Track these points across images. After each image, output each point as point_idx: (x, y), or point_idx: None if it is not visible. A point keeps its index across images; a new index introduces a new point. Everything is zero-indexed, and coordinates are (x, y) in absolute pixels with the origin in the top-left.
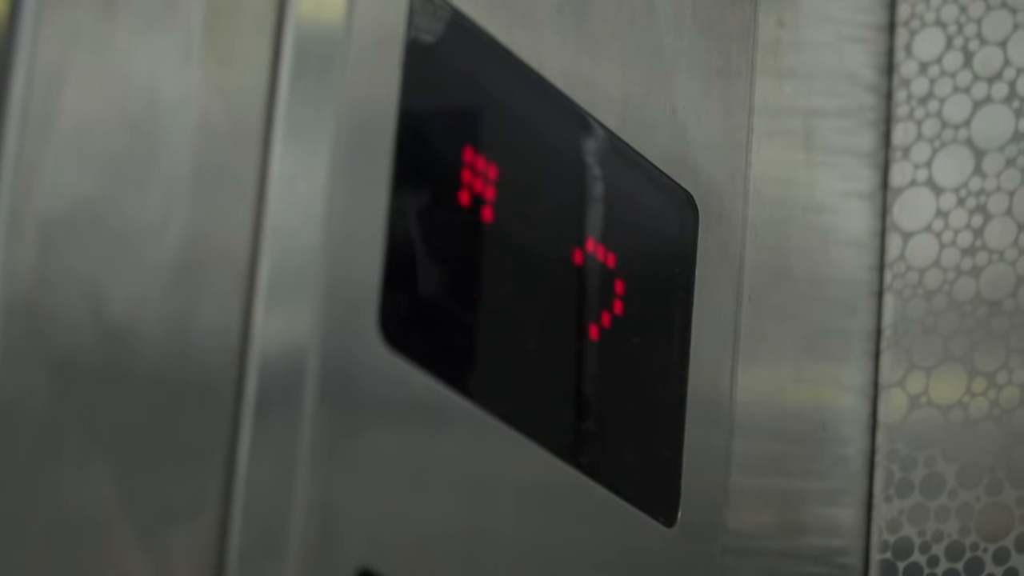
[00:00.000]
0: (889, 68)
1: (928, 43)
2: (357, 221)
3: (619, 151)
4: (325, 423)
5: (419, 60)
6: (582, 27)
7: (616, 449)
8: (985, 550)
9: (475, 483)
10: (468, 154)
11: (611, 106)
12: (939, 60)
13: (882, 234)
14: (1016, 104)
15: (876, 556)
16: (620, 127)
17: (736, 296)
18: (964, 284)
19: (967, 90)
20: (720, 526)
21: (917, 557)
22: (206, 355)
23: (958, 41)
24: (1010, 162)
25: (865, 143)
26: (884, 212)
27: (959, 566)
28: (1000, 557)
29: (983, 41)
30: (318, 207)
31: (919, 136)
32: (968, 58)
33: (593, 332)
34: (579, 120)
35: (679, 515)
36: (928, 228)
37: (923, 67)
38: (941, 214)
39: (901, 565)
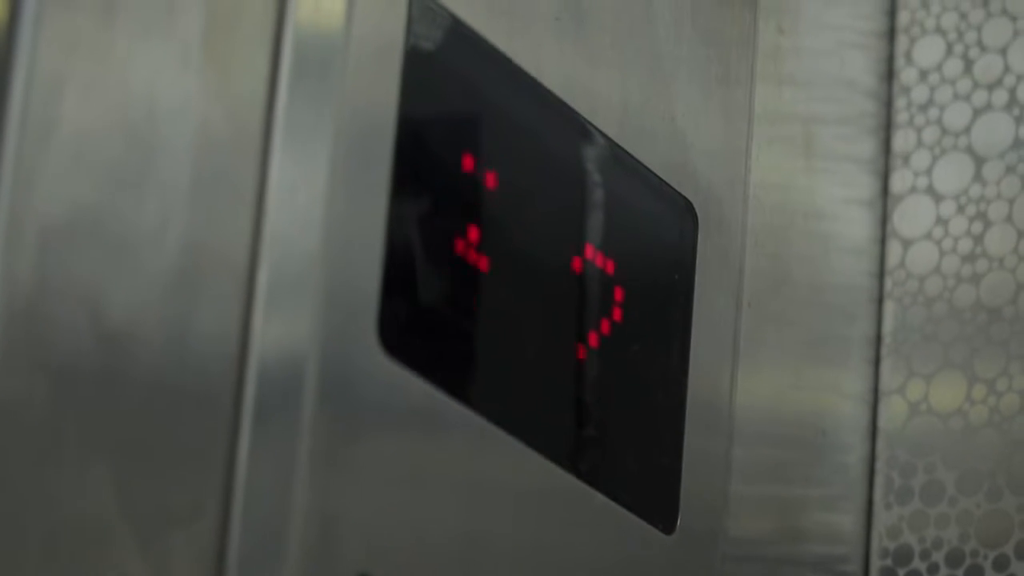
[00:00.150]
0: (889, 75)
1: (928, 50)
2: (356, 228)
3: (618, 158)
4: (324, 429)
5: (418, 67)
6: (581, 35)
7: (615, 456)
8: (985, 557)
9: (474, 490)
10: (467, 161)
11: (610, 113)
12: (939, 67)
13: (882, 241)
14: (1016, 111)
15: (876, 563)
16: (619, 134)
17: (736, 303)
18: (964, 291)
19: (967, 97)
20: (720, 533)
21: (917, 564)
22: (205, 361)
23: (958, 48)
24: (1010, 169)
25: (865, 150)
26: (884, 219)
27: (959, 572)
28: (1000, 564)
29: (983, 48)
30: (317, 214)
31: (919, 143)
32: (968, 65)
33: (592, 339)
34: (578, 127)
35: (679, 522)
36: (928, 235)
37: (923, 74)
38: (941, 221)
39: (901, 572)
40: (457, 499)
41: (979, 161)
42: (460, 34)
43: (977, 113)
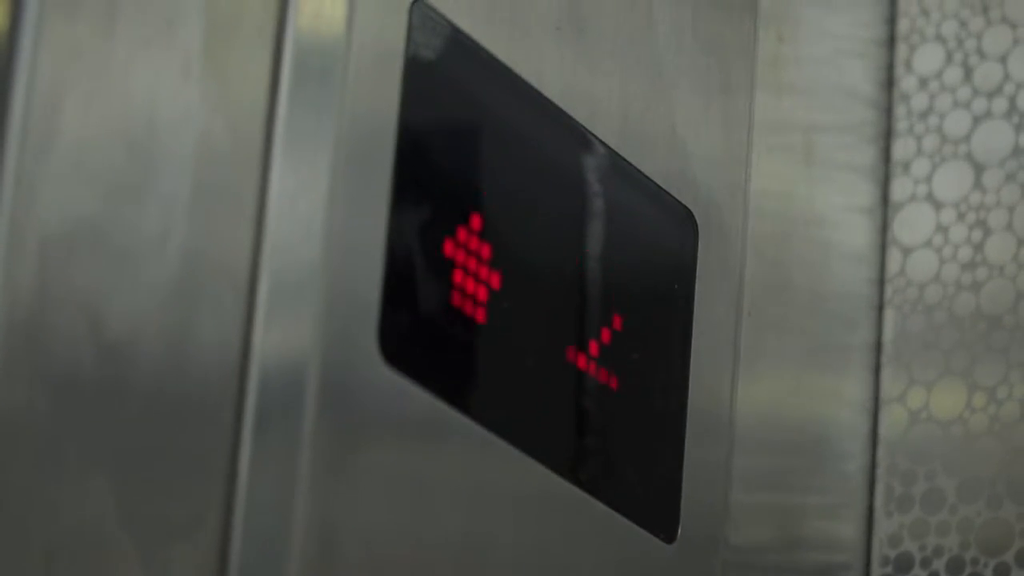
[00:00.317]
0: (889, 83)
1: (928, 58)
2: (357, 237)
3: (618, 167)
4: (325, 438)
5: (419, 76)
6: (581, 44)
7: (616, 465)
8: (985, 565)
9: (474, 499)
10: (467, 170)
11: (610, 122)
12: (939, 75)
13: (882, 249)
14: (1016, 119)
15: (877, 571)
16: (619, 143)
17: (736, 311)
18: (964, 299)
19: (967, 105)
20: (721, 541)
21: (918, 572)
22: (206, 371)
23: (958, 56)
24: (1010, 177)
25: (865, 158)
26: (884, 227)
27: None
28: (1000, 572)
29: (983, 56)
30: (318, 223)
31: (919, 151)
32: (968, 73)
33: (593, 348)
34: (578, 136)
35: (679, 531)
36: (928, 243)
37: (923, 82)
38: (941, 229)
39: None
40: (458, 508)
41: (979, 169)
42: (460, 43)
43: (977, 121)
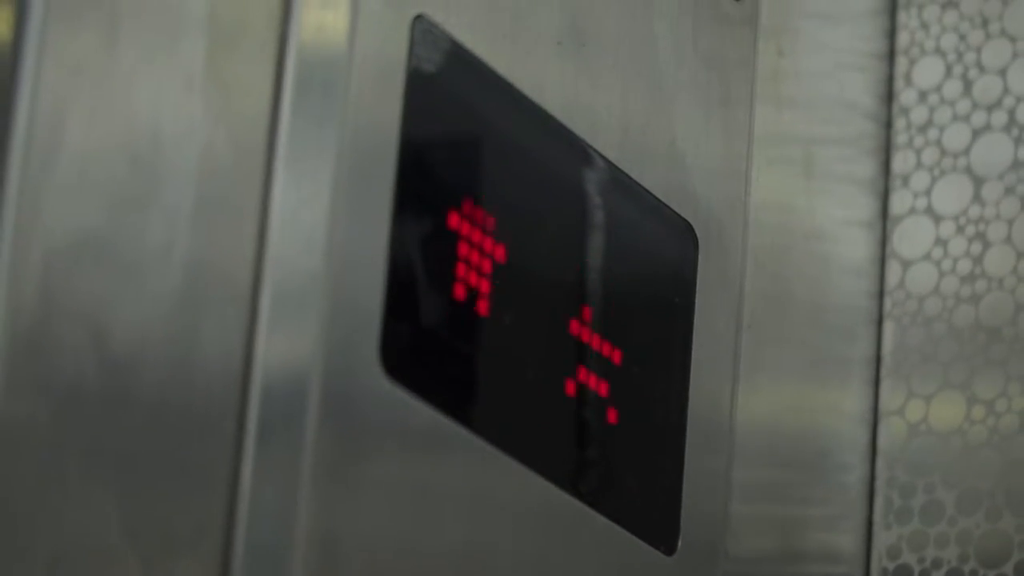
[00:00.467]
0: (889, 96)
1: (927, 71)
2: (359, 249)
3: (618, 181)
4: (327, 449)
5: (420, 90)
6: (582, 58)
7: (616, 478)
8: None
9: (475, 511)
10: (468, 183)
11: (611, 136)
12: (938, 88)
13: (882, 262)
14: (1015, 132)
15: None
16: (619, 157)
17: (736, 323)
18: (963, 312)
19: (966, 118)
20: (721, 553)
21: None
22: (209, 382)
23: (957, 69)
24: (1009, 190)
25: (865, 171)
26: (884, 240)
27: None
28: None
29: (982, 69)
30: (320, 235)
31: (919, 164)
32: (967, 86)
33: (593, 361)
34: (579, 150)
35: (679, 543)
36: (927, 256)
37: (922, 95)
38: (940, 242)
39: None
40: (459, 520)
41: (978, 182)
42: (461, 57)
43: (976, 134)
